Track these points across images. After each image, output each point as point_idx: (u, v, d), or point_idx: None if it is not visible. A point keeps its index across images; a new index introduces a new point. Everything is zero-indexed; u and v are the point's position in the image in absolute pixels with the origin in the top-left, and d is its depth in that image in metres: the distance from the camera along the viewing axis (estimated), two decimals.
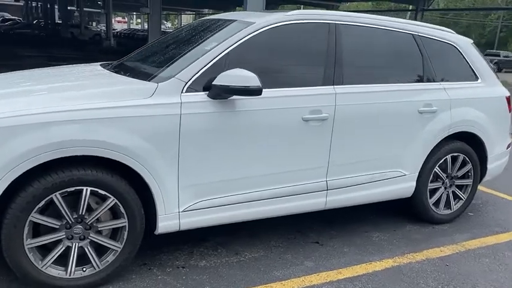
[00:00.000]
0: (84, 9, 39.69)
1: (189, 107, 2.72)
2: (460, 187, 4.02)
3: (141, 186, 2.69)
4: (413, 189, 3.71)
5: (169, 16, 74.21)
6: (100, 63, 3.65)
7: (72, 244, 2.58)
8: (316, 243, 3.47)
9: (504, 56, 34.67)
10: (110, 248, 2.69)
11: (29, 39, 27.52)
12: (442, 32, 3.94)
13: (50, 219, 2.50)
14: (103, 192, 2.55)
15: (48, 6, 39.39)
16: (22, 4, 52.61)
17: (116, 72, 3.17)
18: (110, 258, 2.70)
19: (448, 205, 3.97)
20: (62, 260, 2.58)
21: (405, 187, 3.66)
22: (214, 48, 2.90)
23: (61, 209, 2.49)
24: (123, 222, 2.66)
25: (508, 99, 4.13)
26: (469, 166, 3.96)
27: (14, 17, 45.57)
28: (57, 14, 41.46)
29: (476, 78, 4.00)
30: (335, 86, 3.22)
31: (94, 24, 57.08)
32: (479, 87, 3.98)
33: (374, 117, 3.35)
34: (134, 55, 3.70)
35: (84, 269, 2.64)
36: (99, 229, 2.64)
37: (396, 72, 3.59)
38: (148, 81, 2.80)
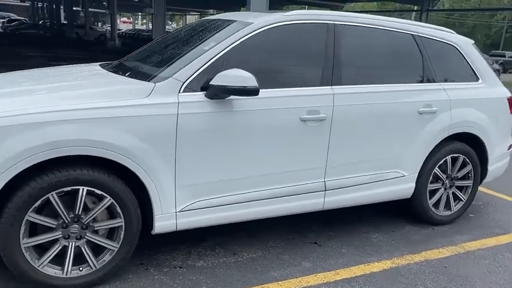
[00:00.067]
0: (90, 9, 39.85)
1: (187, 107, 2.72)
2: (460, 188, 3.99)
3: (138, 186, 2.69)
4: (413, 190, 3.69)
5: (174, 17, 74.37)
6: (99, 63, 3.66)
7: (69, 243, 2.58)
8: (314, 243, 3.46)
9: (510, 57, 34.44)
10: (106, 248, 2.70)
11: (34, 39, 27.71)
12: (442, 32, 3.92)
13: (47, 219, 2.50)
14: (99, 192, 2.56)
15: (54, 6, 39.63)
16: (28, 5, 52.97)
17: (114, 72, 3.18)
18: (106, 257, 2.70)
19: (448, 206, 3.95)
20: (59, 260, 2.59)
21: (404, 188, 3.65)
22: (212, 49, 2.90)
23: (57, 208, 2.49)
24: (119, 222, 2.67)
25: (509, 100, 4.10)
26: (469, 167, 3.93)
27: (20, 18, 45.84)
28: (62, 14, 41.68)
29: (477, 78, 3.98)
30: (333, 87, 3.22)
31: (99, 24, 57.34)
32: (479, 88, 3.96)
33: (373, 118, 3.34)
34: (133, 55, 3.71)
35: (81, 269, 2.65)
36: (95, 229, 2.65)
37: (396, 73, 3.57)
38: (146, 81, 2.80)
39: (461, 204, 4.00)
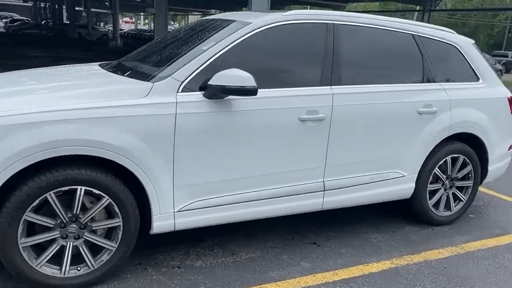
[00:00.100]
0: (92, 9, 39.92)
1: (185, 107, 2.72)
2: (460, 189, 3.98)
3: (136, 185, 2.69)
4: (412, 190, 3.68)
5: (176, 17, 74.43)
6: (98, 63, 3.66)
7: (67, 243, 2.58)
8: (313, 243, 3.46)
9: None
10: (104, 248, 2.70)
11: (37, 39, 27.77)
12: (443, 32, 3.91)
13: (44, 218, 2.50)
14: (97, 192, 2.56)
15: (56, 6, 39.73)
16: (31, 5, 53.12)
17: (113, 72, 3.18)
18: (104, 257, 2.70)
19: (448, 207, 3.94)
20: (57, 259, 2.59)
21: (404, 188, 3.64)
22: (210, 48, 2.90)
23: (55, 208, 2.49)
24: (117, 221, 2.67)
25: (510, 100, 4.09)
26: (469, 167, 3.92)
27: (22, 18, 45.96)
28: (65, 14, 41.77)
29: (477, 78, 3.96)
30: (332, 87, 3.21)
31: (102, 24, 57.46)
32: (480, 88, 3.94)
33: (372, 118, 3.33)
34: (132, 55, 3.72)
35: (79, 268, 2.64)
36: (93, 228, 2.65)
37: (395, 73, 3.56)
38: (145, 81, 2.80)
39: (461, 204, 3.99)
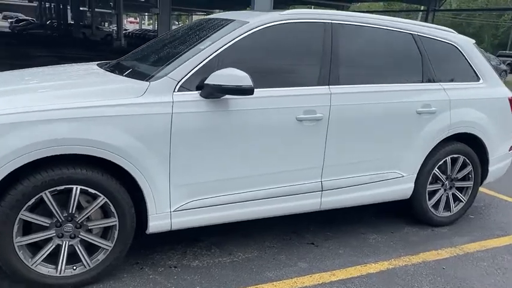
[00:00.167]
0: (96, 10, 40.04)
1: (181, 106, 2.71)
2: (460, 189, 3.95)
3: (133, 185, 2.69)
4: (412, 190, 3.66)
5: (180, 17, 74.54)
6: (97, 62, 3.66)
7: (63, 242, 2.58)
8: (311, 244, 3.44)
9: None
10: (100, 247, 2.69)
11: (41, 39, 27.90)
12: (443, 32, 3.88)
13: (40, 217, 2.50)
14: (93, 191, 2.56)
15: (61, 7, 39.85)
16: (36, 5, 53.34)
17: (110, 71, 3.18)
18: (100, 256, 2.70)
19: (447, 207, 3.91)
20: (53, 258, 2.59)
21: (403, 188, 3.62)
22: (207, 48, 2.89)
23: (51, 207, 2.49)
24: (113, 221, 2.66)
25: (510, 100, 4.05)
26: (469, 168, 3.89)
27: (27, 18, 46.21)
28: (69, 14, 41.92)
29: (478, 78, 3.93)
30: (330, 86, 3.19)
31: (106, 24, 57.61)
32: (480, 88, 3.92)
33: (370, 118, 3.31)
34: (131, 54, 3.72)
35: (75, 268, 2.64)
36: (89, 228, 2.65)
37: (394, 73, 3.54)
38: (141, 80, 2.79)
39: (461, 205, 3.97)
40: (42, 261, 2.56)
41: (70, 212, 2.56)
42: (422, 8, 30.81)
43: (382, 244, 3.52)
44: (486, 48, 37.25)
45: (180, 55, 2.96)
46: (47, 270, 2.58)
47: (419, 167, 3.64)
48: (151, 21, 74.82)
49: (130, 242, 2.77)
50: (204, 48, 2.89)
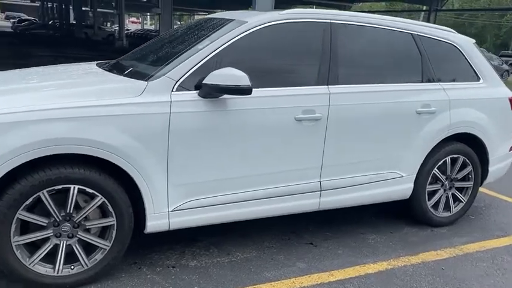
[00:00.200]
0: (98, 10, 40.10)
1: (179, 106, 2.71)
2: (460, 189, 3.94)
3: (130, 184, 2.68)
4: (411, 191, 3.65)
5: (182, 17, 74.60)
6: (96, 62, 3.66)
7: (60, 242, 2.58)
8: (310, 244, 3.44)
9: None
10: (98, 247, 2.69)
11: (43, 39, 27.95)
12: (443, 31, 3.87)
13: (38, 217, 2.50)
14: (91, 191, 2.55)
15: (63, 7, 39.94)
16: (38, 5, 53.44)
17: (109, 71, 3.18)
18: (98, 256, 2.70)
19: (447, 208, 3.90)
20: (50, 258, 2.59)
21: (402, 189, 3.61)
22: (205, 47, 2.89)
23: (48, 206, 2.49)
24: (111, 220, 2.66)
25: (511, 100, 4.04)
26: (469, 168, 3.88)
27: (30, 18, 46.30)
28: (72, 14, 42.02)
29: (478, 78, 3.92)
30: (329, 86, 3.19)
31: (109, 24, 57.71)
32: (480, 88, 3.90)
33: (369, 118, 3.30)
34: (130, 54, 3.71)
35: (72, 267, 2.64)
36: (87, 227, 2.64)
37: (393, 72, 3.53)
38: (139, 79, 2.79)
39: (461, 205, 3.95)
40: (39, 260, 2.56)
41: (68, 211, 2.56)
42: (424, 8, 30.77)
43: (381, 244, 3.51)
44: (488, 48, 37.15)
45: (179, 55, 2.96)
46: (44, 269, 2.58)
47: (418, 167, 3.63)
48: (153, 22, 74.90)
49: (129, 242, 2.77)
50: (203, 48, 2.89)
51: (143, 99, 2.64)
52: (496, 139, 3.94)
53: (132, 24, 75.80)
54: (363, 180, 3.41)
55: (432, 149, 3.64)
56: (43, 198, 2.46)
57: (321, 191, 3.25)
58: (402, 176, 3.57)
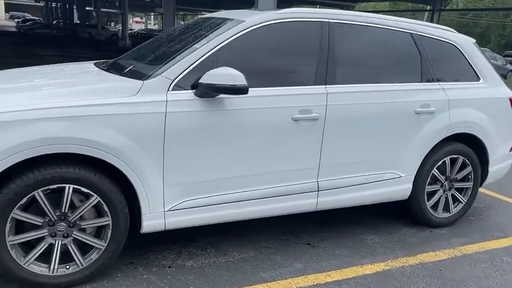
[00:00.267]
0: (102, 9, 40.19)
1: (175, 105, 2.70)
2: (459, 190, 3.91)
3: (126, 184, 2.68)
4: (410, 191, 3.62)
5: (186, 16, 74.65)
6: (94, 61, 3.66)
7: (55, 241, 2.58)
8: (307, 244, 3.42)
9: None
10: (93, 246, 2.69)
11: (48, 39, 28.04)
12: (442, 31, 3.84)
13: (33, 216, 2.50)
14: (86, 190, 2.55)
15: (67, 6, 40.05)
16: (42, 5, 53.64)
17: (106, 70, 3.17)
18: (93, 256, 2.69)
19: (446, 208, 3.87)
20: (45, 257, 2.59)
21: (401, 189, 3.58)
22: (202, 47, 2.88)
23: (43, 206, 2.49)
24: (106, 220, 2.65)
25: (511, 100, 4.01)
26: (469, 169, 3.85)
27: (34, 17, 46.49)
28: (76, 14, 42.13)
29: (478, 78, 3.89)
30: (327, 86, 3.17)
31: (112, 24, 57.84)
32: (480, 88, 3.88)
33: (367, 118, 3.29)
34: (128, 54, 3.71)
35: (68, 267, 2.64)
36: (82, 227, 2.64)
37: (392, 72, 3.51)
38: (136, 79, 2.78)
39: (460, 206, 3.92)
40: (34, 260, 2.56)
41: (63, 211, 2.55)
42: (428, 7, 30.66)
43: (379, 245, 3.49)
44: (493, 48, 36.94)
45: (175, 54, 2.95)
46: (39, 269, 2.57)
47: (417, 168, 3.61)
48: (157, 21, 75.02)
49: (124, 242, 2.76)
50: (199, 47, 2.88)
51: (139, 98, 2.64)
52: (496, 139, 3.92)
53: (136, 24, 75.98)
54: (361, 180, 3.39)
55: (431, 149, 3.62)
56: (38, 198, 2.46)
57: (318, 191, 3.24)
58: (401, 177, 3.55)
